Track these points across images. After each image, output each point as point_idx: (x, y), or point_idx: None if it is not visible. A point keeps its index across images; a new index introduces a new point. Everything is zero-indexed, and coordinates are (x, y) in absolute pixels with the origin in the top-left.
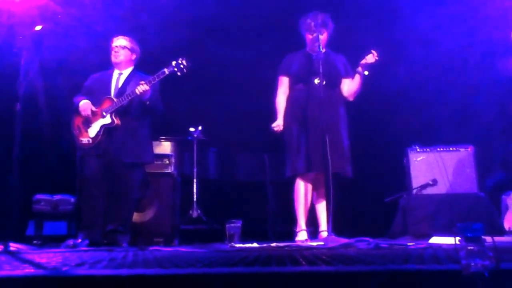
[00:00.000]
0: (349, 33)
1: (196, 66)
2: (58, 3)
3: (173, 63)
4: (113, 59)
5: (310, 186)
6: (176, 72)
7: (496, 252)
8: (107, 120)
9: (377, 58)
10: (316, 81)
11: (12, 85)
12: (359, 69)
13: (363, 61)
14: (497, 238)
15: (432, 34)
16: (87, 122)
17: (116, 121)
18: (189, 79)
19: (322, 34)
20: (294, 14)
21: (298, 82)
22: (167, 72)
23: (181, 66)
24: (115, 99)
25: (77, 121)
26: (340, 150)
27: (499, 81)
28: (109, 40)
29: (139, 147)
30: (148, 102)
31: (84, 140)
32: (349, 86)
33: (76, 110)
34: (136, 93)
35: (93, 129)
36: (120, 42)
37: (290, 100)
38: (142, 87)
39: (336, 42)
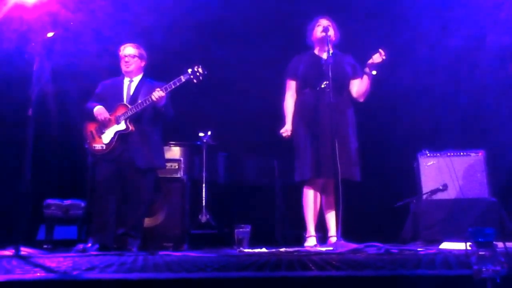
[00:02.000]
0: (356, 35)
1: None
2: (68, 10)
3: (189, 70)
4: (124, 68)
5: (318, 192)
6: (192, 79)
7: (508, 257)
8: (121, 126)
9: (384, 57)
10: (324, 84)
11: (24, 90)
12: (367, 69)
13: (370, 61)
14: (508, 244)
15: (441, 37)
16: (101, 129)
17: (131, 127)
18: (199, 83)
19: (330, 36)
20: (300, 16)
21: (306, 85)
22: (183, 80)
23: (197, 73)
24: (129, 106)
25: (90, 127)
26: (348, 155)
27: (508, 83)
28: (117, 45)
29: (152, 152)
30: (163, 109)
31: (98, 146)
32: (358, 87)
33: (89, 117)
34: (151, 100)
35: (107, 136)
36: (130, 51)
37: (298, 104)
38: (158, 94)
39: (343, 44)
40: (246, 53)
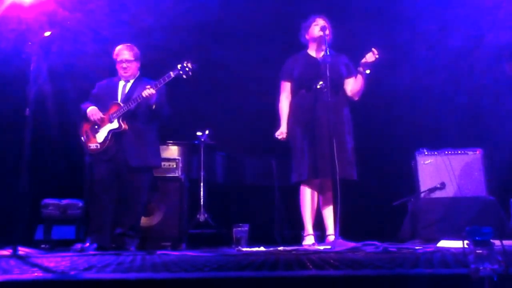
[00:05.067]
0: (354, 35)
1: (203, 70)
2: (66, 9)
3: (178, 66)
4: (121, 73)
5: (316, 191)
6: (181, 75)
7: (505, 256)
8: (114, 125)
9: (377, 56)
10: (320, 84)
11: (22, 90)
12: (360, 68)
13: (364, 60)
14: (506, 242)
15: (439, 37)
16: (95, 128)
17: (124, 125)
18: (196, 83)
19: (327, 36)
20: (299, 17)
21: (302, 86)
22: (172, 75)
23: (187, 68)
24: (121, 104)
25: (85, 127)
26: (344, 154)
27: (506, 83)
28: (115, 45)
29: (147, 151)
30: (154, 106)
31: (93, 145)
32: (352, 86)
33: (84, 117)
34: (142, 97)
35: (101, 134)
36: (126, 55)
37: (294, 105)
38: (148, 91)
39: (343, 44)
40: (244, 53)
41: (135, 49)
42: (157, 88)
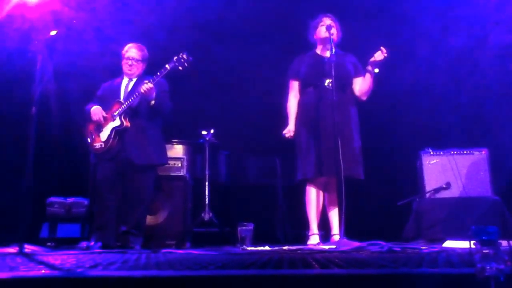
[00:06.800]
0: (357, 35)
1: (206, 69)
2: (71, 8)
3: (174, 58)
4: (126, 70)
5: (321, 190)
6: (177, 67)
7: None
8: (116, 122)
9: (385, 55)
10: (327, 83)
11: (26, 89)
12: (369, 67)
13: (372, 59)
14: None
15: (442, 36)
16: (99, 127)
17: (126, 123)
18: (201, 82)
19: (333, 35)
20: (301, 16)
21: (309, 85)
22: (168, 68)
23: (182, 60)
24: (123, 101)
25: (90, 128)
26: (351, 153)
27: (510, 83)
28: (119, 44)
29: (151, 149)
30: (153, 102)
31: (97, 145)
32: (360, 86)
33: (88, 118)
34: (141, 93)
35: (104, 133)
36: (134, 54)
37: (301, 104)
38: (146, 86)
39: (344, 43)
40: (248, 53)
41: (145, 50)
42: (154, 82)
